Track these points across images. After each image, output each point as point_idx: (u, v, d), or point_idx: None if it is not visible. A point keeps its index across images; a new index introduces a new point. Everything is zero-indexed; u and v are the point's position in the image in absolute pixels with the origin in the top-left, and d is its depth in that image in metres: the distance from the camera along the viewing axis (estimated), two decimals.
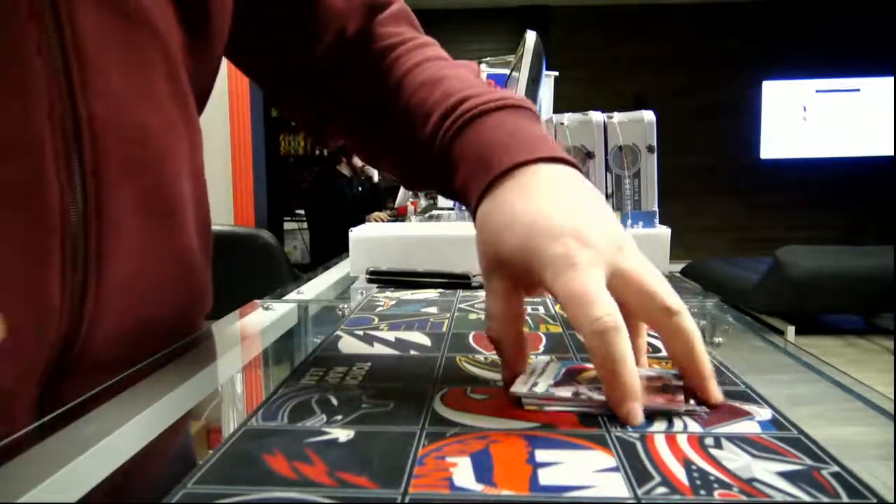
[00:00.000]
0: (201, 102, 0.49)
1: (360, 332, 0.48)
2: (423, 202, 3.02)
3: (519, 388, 0.32)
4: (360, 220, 2.68)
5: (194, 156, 0.47)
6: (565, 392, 0.32)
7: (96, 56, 0.36)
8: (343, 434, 0.29)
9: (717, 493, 0.23)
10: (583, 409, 0.31)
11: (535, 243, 0.32)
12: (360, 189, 4.19)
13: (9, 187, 0.34)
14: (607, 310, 0.29)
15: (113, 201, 0.38)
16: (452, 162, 0.41)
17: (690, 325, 0.31)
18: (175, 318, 0.47)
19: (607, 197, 0.72)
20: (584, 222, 0.33)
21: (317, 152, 5.54)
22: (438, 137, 0.42)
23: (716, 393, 0.32)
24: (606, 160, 0.74)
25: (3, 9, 0.33)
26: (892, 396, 0.34)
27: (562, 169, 0.37)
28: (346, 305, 0.59)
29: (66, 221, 0.36)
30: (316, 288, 0.72)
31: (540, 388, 0.32)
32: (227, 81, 3.02)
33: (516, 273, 0.34)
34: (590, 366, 0.37)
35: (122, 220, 0.39)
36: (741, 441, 0.27)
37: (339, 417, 0.31)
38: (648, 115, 0.82)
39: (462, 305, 0.58)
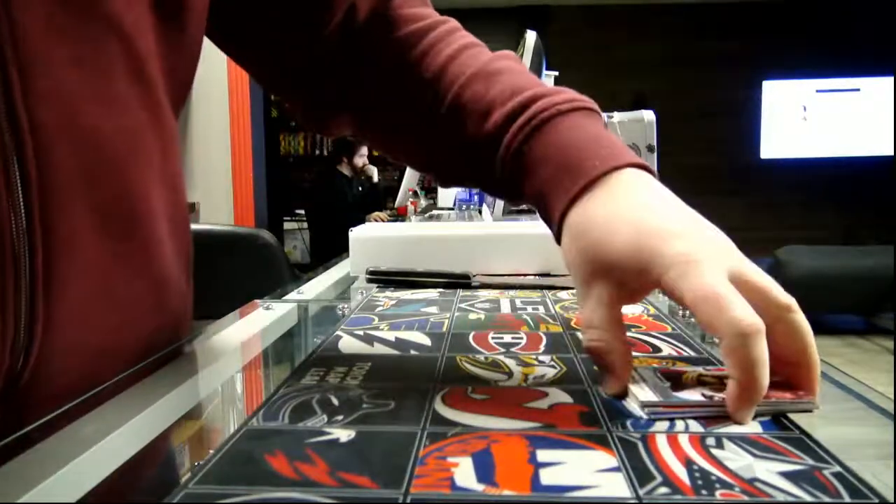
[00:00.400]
0: (179, 99, 0.44)
1: (361, 332, 0.48)
2: (422, 202, 3.02)
3: (647, 396, 0.31)
4: (360, 220, 2.68)
5: (167, 163, 0.42)
6: (694, 396, 0.31)
7: (41, 54, 0.32)
8: (344, 434, 0.29)
9: (718, 494, 0.23)
10: (717, 413, 0.30)
11: (650, 243, 0.31)
12: (360, 189, 4.19)
13: None
14: (748, 311, 0.29)
15: (64, 218, 0.34)
16: (526, 164, 0.39)
17: (806, 322, 0.31)
18: (145, 347, 0.43)
19: None
20: (693, 222, 0.33)
21: (317, 152, 5.54)
22: (507, 137, 0.39)
23: (818, 391, 0.31)
24: None
25: None
26: (892, 396, 0.34)
27: (646, 175, 0.36)
28: (346, 305, 0.59)
29: (6, 241, 0.32)
30: (316, 288, 0.72)
31: (666, 396, 0.31)
32: (227, 82, 3.02)
33: (625, 277, 0.33)
34: (681, 367, 0.37)
35: (77, 239, 0.35)
36: (743, 441, 0.27)
37: (340, 417, 0.31)
38: (648, 115, 0.82)
39: (462, 305, 0.58)
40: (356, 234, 0.77)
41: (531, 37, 0.99)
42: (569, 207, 0.36)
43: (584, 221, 0.35)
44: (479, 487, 0.24)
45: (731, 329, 0.29)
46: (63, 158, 0.34)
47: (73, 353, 0.37)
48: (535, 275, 0.72)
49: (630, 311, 0.54)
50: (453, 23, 0.49)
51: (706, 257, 0.31)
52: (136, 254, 0.40)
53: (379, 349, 0.43)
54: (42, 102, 0.32)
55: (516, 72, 0.43)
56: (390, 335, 0.47)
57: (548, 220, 0.39)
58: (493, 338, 0.46)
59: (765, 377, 0.29)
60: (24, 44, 0.31)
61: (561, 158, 0.37)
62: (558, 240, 0.38)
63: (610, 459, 0.26)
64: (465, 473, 0.25)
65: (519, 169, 0.39)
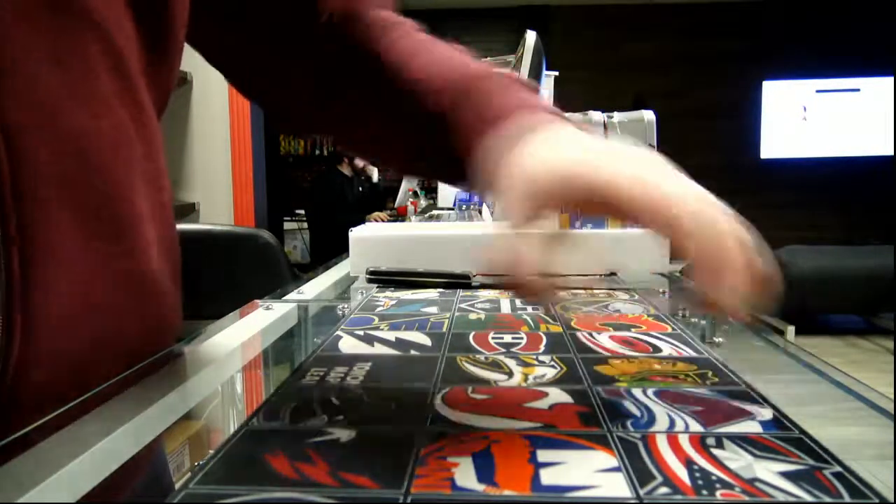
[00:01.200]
0: (160, 107, 0.44)
1: (361, 332, 0.48)
2: (422, 202, 3.02)
3: None
4: (360, 220, 2.68)
5: (150, 162, 0.41)
6: None
7: (16, 51, 0.31)
8: (344, 434, 0.29)
9: (719, 494, 0.23)
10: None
11: (603, 161, 0.30)
12: (360, 189, 4.19)
13: None
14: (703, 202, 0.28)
15: (45, 224, 0.33)
16: (461, 119, 0.40)
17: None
18: (131, 354, 0.41)
19: None
20: (639, 150, 0.32)
21: (317, 152, 5.53)
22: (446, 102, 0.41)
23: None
24: None
25: None
26: (892, 396, 0.34)
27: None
28: (346, 305, 0.59)
29: None
30: (316, 288, 0.72)
31: None
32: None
33: (564, 191, 0.31)
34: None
35: (58, 246, 0.34)
36: (743, 441, 0.27)
37: (341, 417, 0.31)
38: (648, 115, 0.82)
39: (462, 305, 0.58)
40: (356, 234, 0.77)
41: (531, 37, 0.99)
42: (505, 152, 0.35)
43: (530, 154, 0.33)
44: (480, 487, 0.24)
45: (685, 210, 0.27)
46: (41, 160, 0.32)
47: (55, 361, 0.35)
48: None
49: (630, 311, 0.54)
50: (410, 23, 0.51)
51: (662, 172, 0.30)
52: (122, 258, 0.39)
53: (379, 349, 0.43)
54: (18, 102, 0.31)
55: (473, 57, 0.45)
56: (390, 335, 0.47)
57: (482, 162, 0.37)
58: (493, 338, 0.46)
59: (733, 247, 0.27)
60: (1, 45, 0.30)
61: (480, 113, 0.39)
62: (488, 177, 0.35)
63: (610, 459, 0.26)
64: (465, 473, 0.25)
65: (461, 124, 0.40)
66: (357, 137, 0.53)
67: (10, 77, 0.31)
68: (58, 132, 0.33)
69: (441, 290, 0.66)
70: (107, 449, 0.28)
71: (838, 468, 0.25)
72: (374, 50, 0.48)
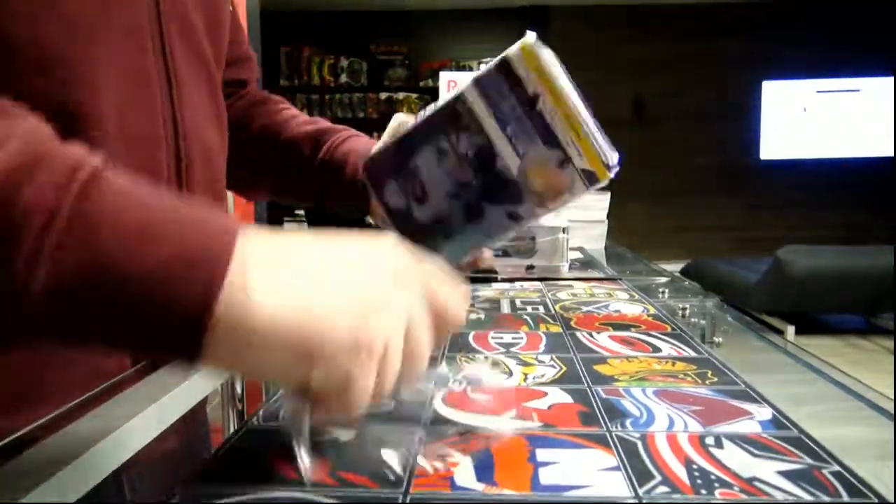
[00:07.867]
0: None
1: None
2: None
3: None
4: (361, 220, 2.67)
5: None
6: None
7: (191, 103, 0.46)
8: (344, 434, 0.29)
9: (718, 493, 0.23)
10: None
11: None
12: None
13: None
14: None
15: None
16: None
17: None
18: None
19: None
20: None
21: None
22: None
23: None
24: None
25: None
26: (892, 396, 0.34)
27: None
28: None
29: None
30: None
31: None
32: None
33: None
34: None
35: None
36: (742, 440, 0.27)
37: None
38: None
39: None
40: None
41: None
42: None
43: None
44: (479, 487, 0.24)
45: None
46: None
47: None
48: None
49: (630, 311, 0.54)
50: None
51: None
52: None
53: None
54: (187, 129, 0.46)
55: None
56: None
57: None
58: (493, 338, 0.46)
59: None
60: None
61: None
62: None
63: (609, 459, 0.26)
64: (465, 473, 0.25)
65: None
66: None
67: (188, 115, 0.46)
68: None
69: None
70: (107, 449, 0.28)
71: (837, 467, 0.25)
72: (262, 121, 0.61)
